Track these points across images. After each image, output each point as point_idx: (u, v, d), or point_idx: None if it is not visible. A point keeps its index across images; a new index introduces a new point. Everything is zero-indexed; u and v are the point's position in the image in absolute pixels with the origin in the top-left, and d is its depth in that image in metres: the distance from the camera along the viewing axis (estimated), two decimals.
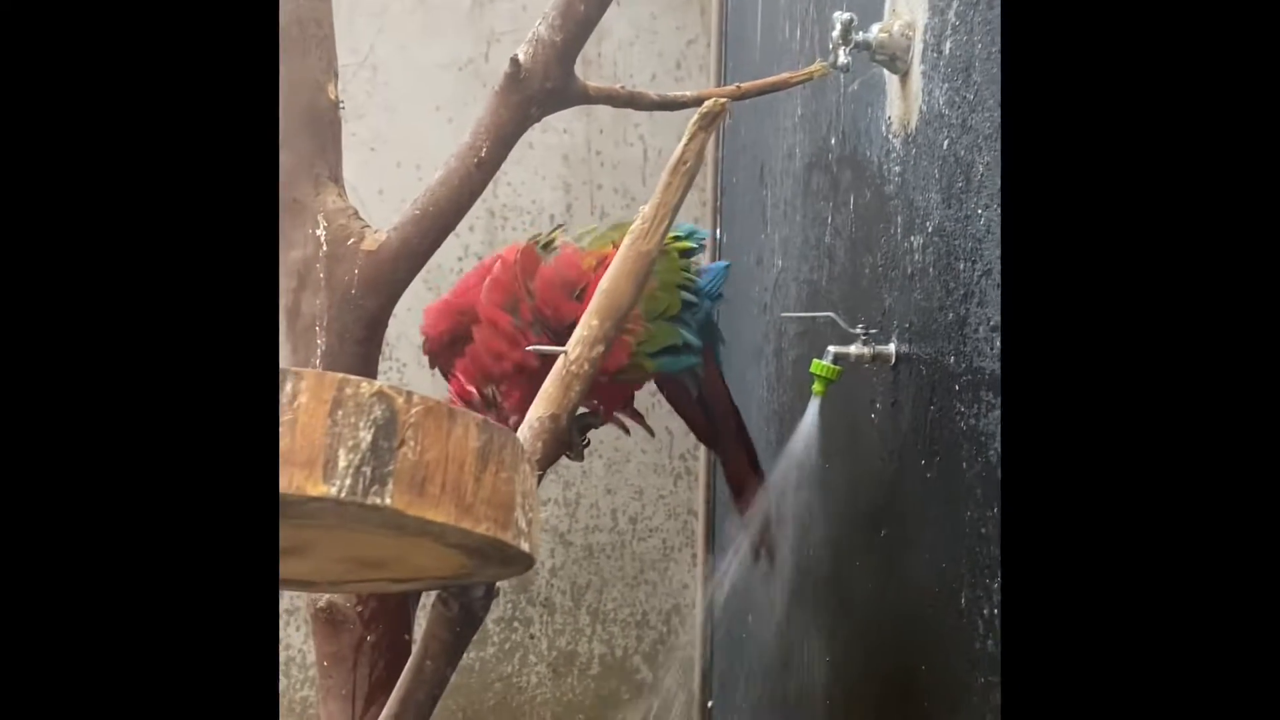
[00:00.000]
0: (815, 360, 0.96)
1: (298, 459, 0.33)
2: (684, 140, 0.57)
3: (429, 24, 2.10)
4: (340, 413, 0.33)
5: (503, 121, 0.64)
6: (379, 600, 0.80)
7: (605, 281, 0.51)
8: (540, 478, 0.40)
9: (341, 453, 0.32)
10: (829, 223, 1.19)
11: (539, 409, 0.47)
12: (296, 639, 1.99)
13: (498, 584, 0.56)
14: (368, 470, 0.32)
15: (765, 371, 1.63)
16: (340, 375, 0.33)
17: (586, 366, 0.47)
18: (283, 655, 2.00)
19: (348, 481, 0.32)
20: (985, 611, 0.71)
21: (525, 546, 0.34)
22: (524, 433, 0.46)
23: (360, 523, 0.34)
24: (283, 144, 0.75)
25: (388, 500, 0.29)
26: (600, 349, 0.48)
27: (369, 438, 0.32)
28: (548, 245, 0.94)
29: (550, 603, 2.16)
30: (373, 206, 1.94)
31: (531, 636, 2.16)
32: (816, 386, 0.98)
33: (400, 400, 0.30)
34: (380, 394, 0.32)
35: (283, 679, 2.00)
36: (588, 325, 0.49)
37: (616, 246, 0.70)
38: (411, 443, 0.30)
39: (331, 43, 0.90)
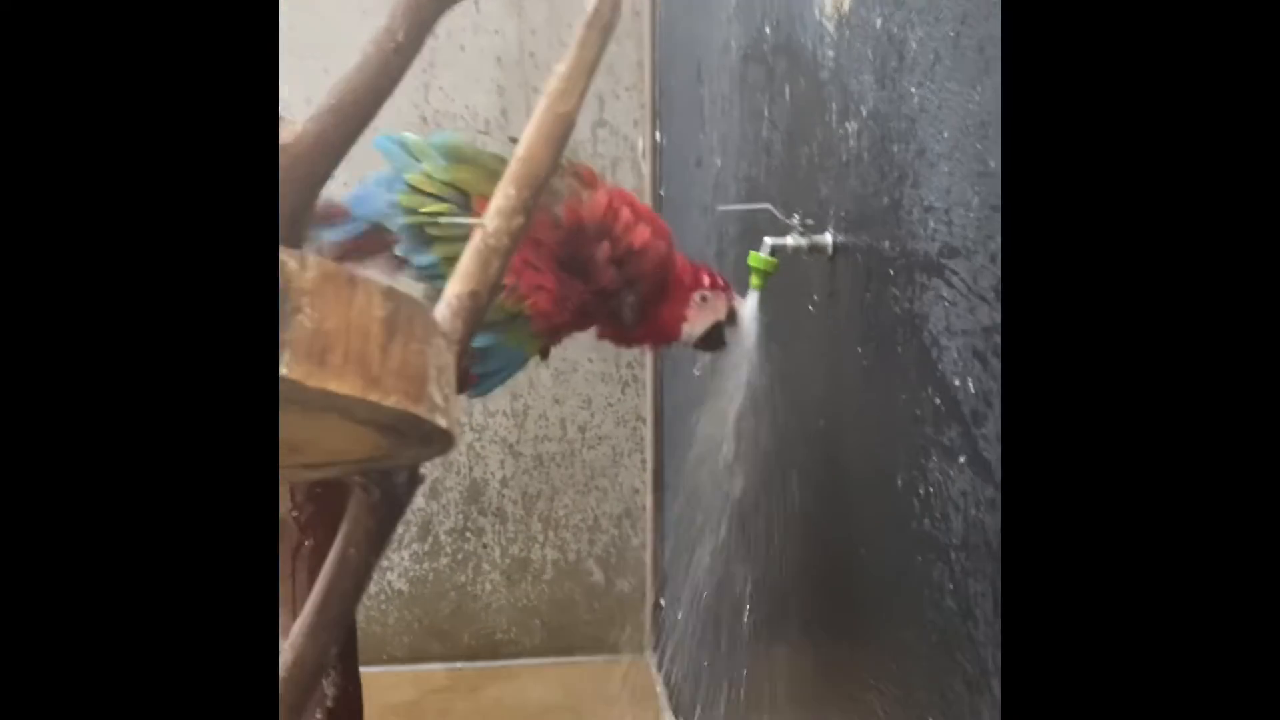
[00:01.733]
0: (752, 253, 0.96)
1: None
2: None
3: None
4: None
5: (420, 3, 0.60)
6: (316, 505, 0.79)
7: (521, 148, 0.49)
8: (459, 357, 0.38)
9: None
10: (766, 115, 1.17)
11: (457, 285, 0.45)
12: None
13: (421, 470, 0.55)
14: None
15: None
16: None
17: (506, 240, 0.45)
18: None
19: None
20: (921, 491, 0.72)
21: (443, 422, 0.33)
22: (442, 310, 0.45)
23: None
24: None
25: (284, 371, 0.28)
26: (520, 220, 0.46)
27: None
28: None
29: (502, 512, 2.17)
30: (301, 115, 1.88)
31: (484, 546, 2.18)
32: (754, 280, 0.97)
33: (293, 265, 0.28)
34: None
35: None
36: (505, 195, 0.47)
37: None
38: (308, 310, 0.28)
39: None
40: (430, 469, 2.07)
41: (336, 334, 0.29)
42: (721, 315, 0.99)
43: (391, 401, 0.30)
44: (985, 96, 0.62)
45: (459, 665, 2.15)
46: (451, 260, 0.70)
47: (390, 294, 0.30)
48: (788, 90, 1.07)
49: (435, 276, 0.82)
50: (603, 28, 0.50)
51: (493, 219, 0.46)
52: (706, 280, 0.99)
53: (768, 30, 1.16)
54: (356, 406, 0.30)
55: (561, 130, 0.49)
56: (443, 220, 0.61)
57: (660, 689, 2.07)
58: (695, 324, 1.00)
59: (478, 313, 0.44)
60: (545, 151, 0.47)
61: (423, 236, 0.83)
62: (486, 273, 0.44)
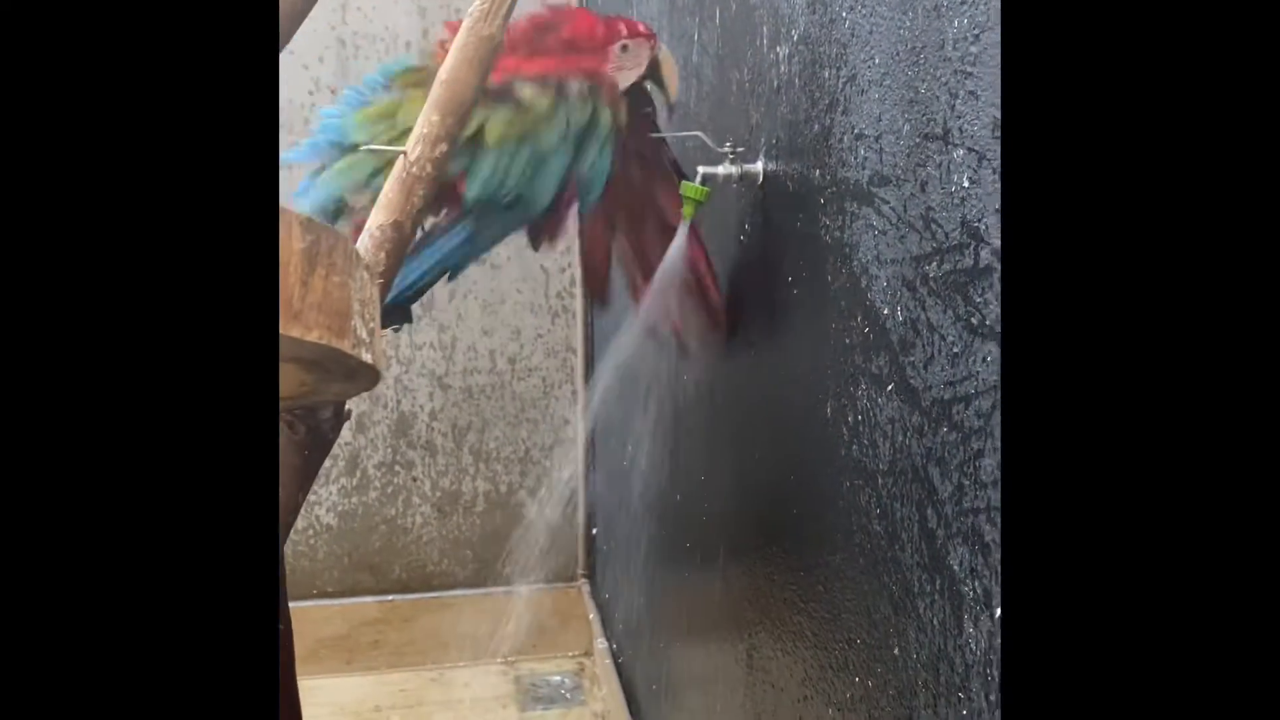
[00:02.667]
0: (684, 182, 0.95)
1: None
2: None
3: None
4: None
5: None
6: None
7: (444, 72, 0.47)
8: (384, 289, 0.37)
9: None
10: (695, 39, 1.15)
11: (380, 216, 0.43)
12: None
13: (347, 406, 0.54)
14: None
15: None
16: None
17: (429, 168, 0.44)
18: None
19: None
20: (850, 419, 0.73)
21: (367, 357, 0.32)
22: (364, 241, 0.43)
23: None
24: None
25: None
26: (444, 147, 0.44)
27: None
28: None
29: (431, 445, 2.16)
30: None
31: (414, 479, 2.16)
32: (686, 209, 0.96)
33: None
34: None
35: None
36: (428, 121, 0.45)
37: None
38: None
39: None
40: (357, 403, 2.04)
41: None
42: (643, 66, 0.91)
43: (314, 337, 0.29)
44: (916, 22, 0.61)
45: (391, 598, 2.15)
46: None
47: (310, 225, 0.29)
48: (718, 13, 1.05)
49: None
50: None
51: (415, 146, 0.44)
52: (624, 29, 0.90)
53: None
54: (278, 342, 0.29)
55: (485, 54, 0.47)
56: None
57: (594, 616, 2.10)
58: (620, 78, 0.91)
59: (402, 243, 0.42)
60: (469, 75, 0.45)
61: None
62: (410, 201, 0.43)
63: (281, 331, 0.28)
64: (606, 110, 0.86)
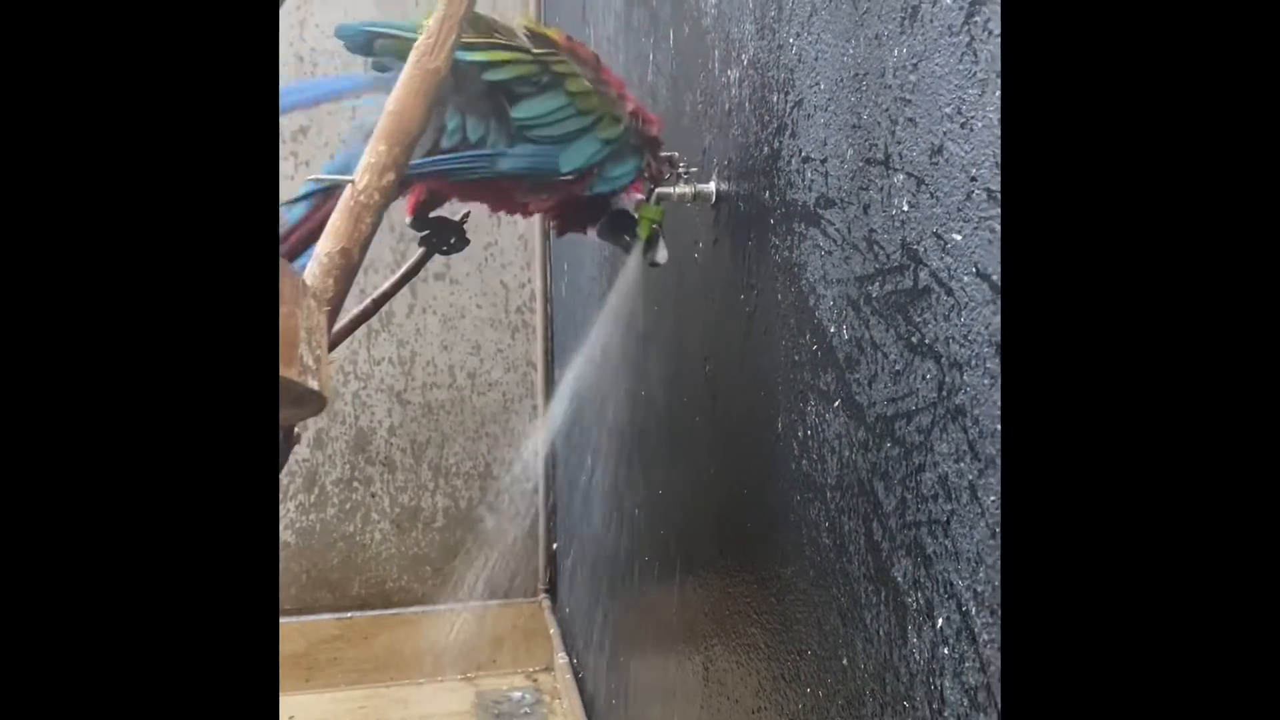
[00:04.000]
0: (640, 203, 0.96)
1: None
2: None
3: None
4: None
5: None
6: None
7: (392, 103, 0.48)
8: (332, 315, 0.38)
9: None
10: (651, 60, 1.16)
11: (328, 244, 0.44)
12: None
13: (296, 430, 0.54)
14: None
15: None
16: None
17: (377, 196, 0.45)
18: None
19: None
20: (800, 434, 0.75)
21: (314, 384, 0.33)
22: (312, 269, 0.44)
23: None
24: None
25: None
26: (390, 176, 0.45)
27: None
28: None
29: (390, 461, 2.15)
30: None
31: (373, 495, 2.15)
32: (642, 229, 0.97)
33: None
34: None
35: None
36: (375, 151, 0.46)
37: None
38: None
39: None
40: (315, 419, 2.03)
41: None
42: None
43: None
44: (859, 50, 0.63)
45: (350, 615, 2.14)
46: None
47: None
48: (672, 35, 1.07)
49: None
50: None
51: (363, 175, 0.45)
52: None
53: None
54: None
55: (432, 85, 0.48)
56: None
57: (554, 630, 2.10)
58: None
59: (350, 271, 0.43)
60: (416, 107, 0.46)
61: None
62: (358, 229, 0.44)
63: None
64: (647, 148, 0.91)
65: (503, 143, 0.82)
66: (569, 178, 0.86)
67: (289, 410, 0.36)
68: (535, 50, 0.83)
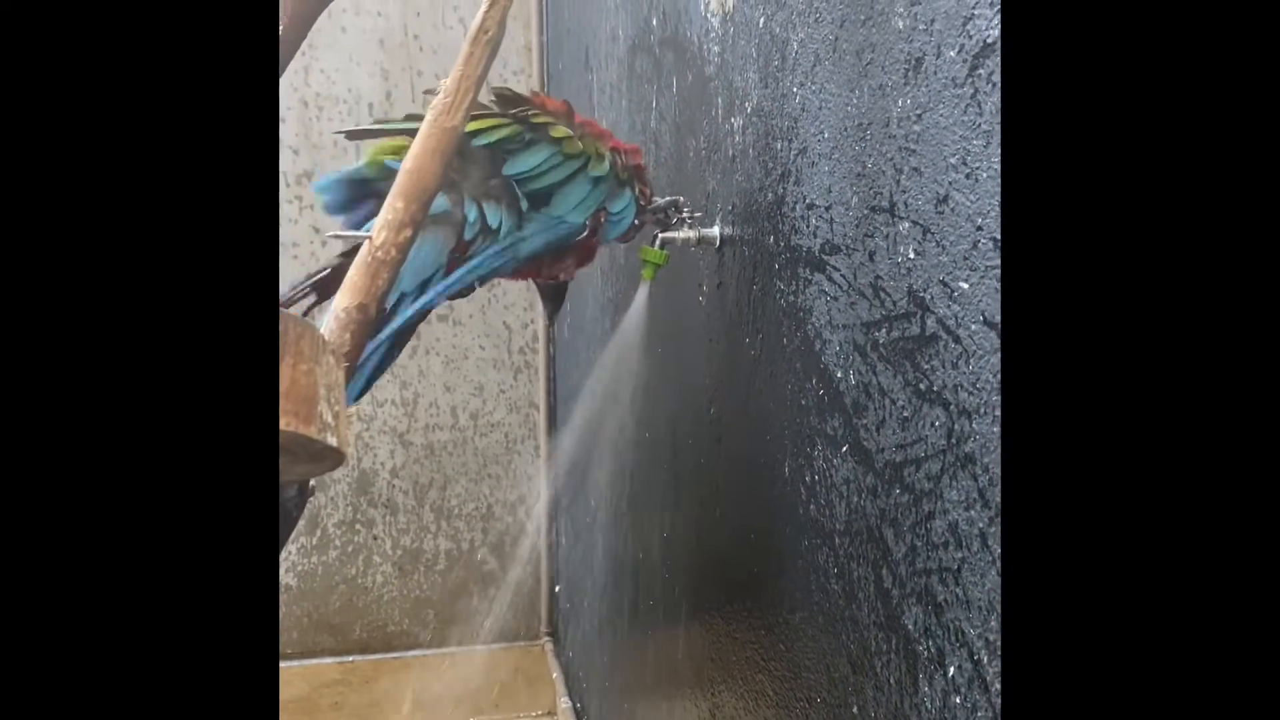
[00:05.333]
0: (644, 246, 0.97)
1: None
2: (484, 7, 0.54)
3: None
4: None
5: None
6: None
7: (409, 161, 0.49)
8: (349, 370, 0.38)
9: None
10: (654, 107, 1.18)
11: (345, 299, 0.44)
12: None
13: (311, 483, 0.55)
14: None
15: (599, 261, 1.62)
16: None
17: (394, 253, 0.45)
18: None
19: None
20: (807, 479, 0.75)
21: (333, 441, 0.33)
22: (329, 324, 0.44)
23: None
24: None
25: None
26: (407, 233, 0.46)
27: None
28: None
29: (392, 503, 2.14)
30: None
31: (375, 537, 2.14)
32: (646, 272, 0.98)
33: None
34: None
35: None
36: (392, 208, 0.46)
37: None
38: None
39: None
40: None
41: None
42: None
43: (282, 424, 0.30)
44: (863, 100, 0.64)
45: (352, 658, 2.12)
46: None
47: (279, 316, 0.30)
48: (675, 83, 1.08)
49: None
50: (488, 42, 0.50)
51: (380, 232, 0.45)
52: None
53: (655, 22, 1.17)
54: None
55: (449, 144, 0.49)
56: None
57: (557, 674, 2.08)
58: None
59: (366, 325, 0.44)
60: (433, 165, 0.47)
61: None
62: (375, 285, 0.44)
63: None
64: (635, 177, 0.93)
65: (514, 225, 0.84)
66: (584, 234, 0.88)
67: (307, 466, 0.36)
68: (511, 110, 0.85)
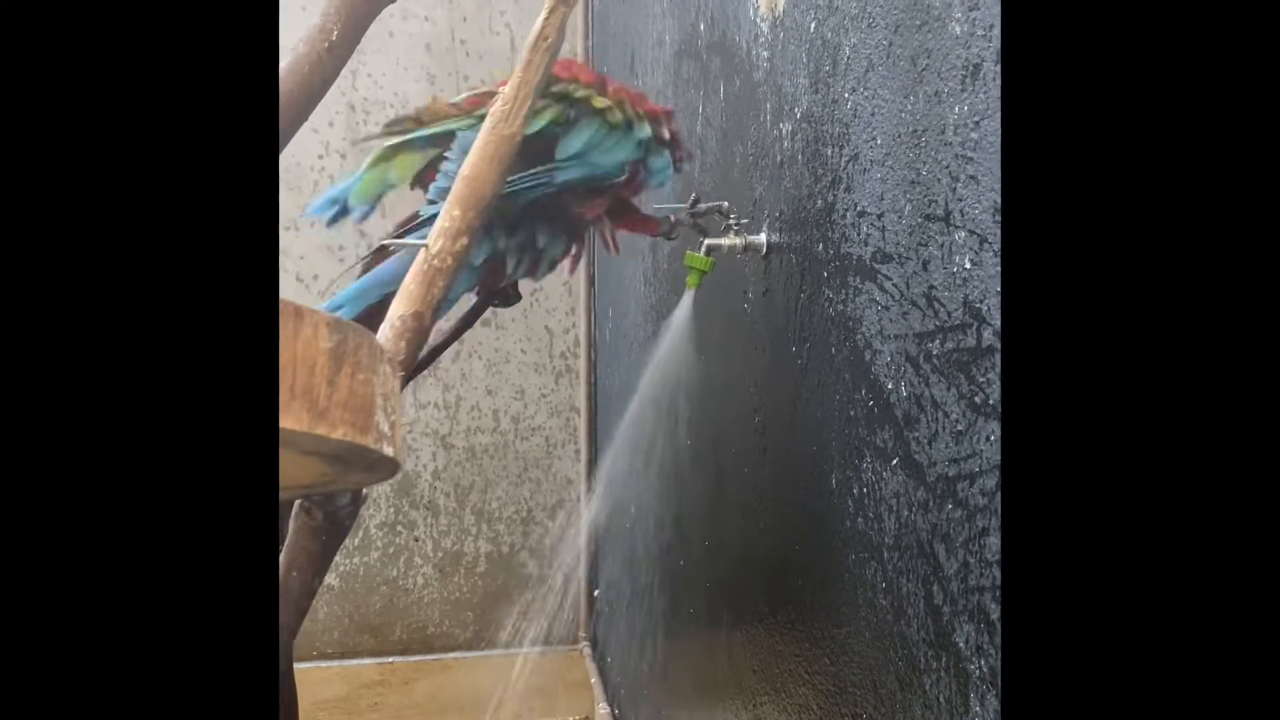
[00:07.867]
0: (689, 252, 0.96)
1: None
2: (543, 15, 0.54)
3: None
4: None
5: (355, 1, 0.59)
6: None
7: (466, 168, 0.48)
8: (406, 379, 0.38)
9: None
10: (700, 112, 1.17)
11: (401, 306, 0.44)
12: None
13: (364, 491, 0.55)
14: None
15: (642, 266, 1.62)
16: None
17: (450, 260, 0.45)
18: None
19: None
20: (855, 491, 0.74)
21: (388, 451, 0.33)
22: (385, 332, 0.44)
23: None
24: None
25: None
26: (464, 241, 0.46)
27: None
28: None
29: (434, 505, 2.16)
30: None
31: (416, 539, 2.16)
32: (690, 279, 0.98)
33: None
34: None
35: None
36: (449, 216, 0.46)
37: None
38: None
39: None
40: None
41: (283, 368, 0.28)
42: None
43: (339, 434, 0.30)
44: (917, 106, 0.63)
45: (391, 659, 2.13)
46: None
47: (336, 325, 0.30)
48: (722, 88, 1.08)
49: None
50: (548, 49, 0.50)
51: (437, 239, 0.45)
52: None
53: (702, 27, 1.16)
54: (303, 439, 0.30)
55: (507, 151, 0.48)
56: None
57: (595, 679, 2.08)
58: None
59: (422, 334, 0.44)
60: (490, 173, 0.47)
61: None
62: (431, 293, 0.44)
63: (307, 430, 0.29)
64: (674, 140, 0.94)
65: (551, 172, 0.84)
66: (621, 178, 0.88)
67: (361, 474, 0.36)
68: (552, 90, 0.85)
